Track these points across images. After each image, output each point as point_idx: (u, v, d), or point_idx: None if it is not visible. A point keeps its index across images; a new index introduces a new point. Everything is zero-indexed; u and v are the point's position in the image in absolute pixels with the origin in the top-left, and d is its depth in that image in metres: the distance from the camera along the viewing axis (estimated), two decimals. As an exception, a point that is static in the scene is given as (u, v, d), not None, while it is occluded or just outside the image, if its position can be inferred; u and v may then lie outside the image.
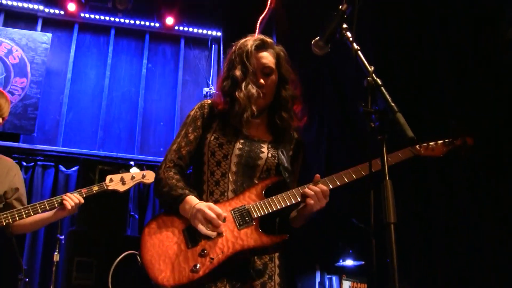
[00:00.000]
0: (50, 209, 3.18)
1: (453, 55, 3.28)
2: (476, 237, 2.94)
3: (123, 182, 3.46)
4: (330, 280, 5.12)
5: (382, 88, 1.62)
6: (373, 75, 1.66)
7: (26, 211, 3.11)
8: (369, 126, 1.62)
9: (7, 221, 3.06)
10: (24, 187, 3.46)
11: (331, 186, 2.22)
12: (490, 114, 2.93)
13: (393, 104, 1.58)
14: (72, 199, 3.19)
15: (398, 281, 1.45)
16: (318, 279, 5.19)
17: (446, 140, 2.38)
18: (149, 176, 3.50)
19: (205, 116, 2.41)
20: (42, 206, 3.15)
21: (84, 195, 3.28)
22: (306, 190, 2.20)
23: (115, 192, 3.46)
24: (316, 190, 2.18)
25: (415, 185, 3.52)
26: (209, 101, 2.47)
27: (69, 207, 3.16)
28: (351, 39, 1.87)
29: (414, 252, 3.42)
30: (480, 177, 2.96)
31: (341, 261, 5.05)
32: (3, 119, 3.29)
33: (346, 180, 2.24)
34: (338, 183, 2.23)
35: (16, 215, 3.08)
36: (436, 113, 3.34)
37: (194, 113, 2.43)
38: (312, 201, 2.16)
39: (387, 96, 1.60)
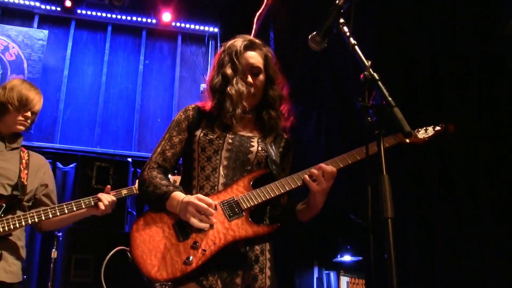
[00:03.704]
0: (77, 210, 3.22)
1: (454, 51, 3.27)
2: (476, 232, 2.94)
3: None
4: (328, 275, 5.12)
5: (379, 82, 1.62)
6: (370, 69, 1.66)
7: (53, 211, 3.13)
8: (367, 121, 1.62)
9: (33, 220, 3.07)
10: (54, 184, 3.47)
11: (336, 168, 2.21)
12: (491, 107, 2.93)
13: (390, 98, 1.57)
14: (106, 198, 3.26)
15: (396, 277, 1.44)
16: (316, 275, 5.20)
17: (428, 127, 2.40)
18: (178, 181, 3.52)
19: (190, 118, 2.43)
20: (69, 207, 3.18)
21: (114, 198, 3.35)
22: (312, 170, 2.20)
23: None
24: (326, 169, 2.17)
25: (414, 179, 3.51)
26: (193, 105, 2.51)
27: (103, 207, 3.24)
28: (348, 33, 1.86)
29: (413, 248, 3.42)
30: (481, 171, 2.96)
31: (339, 256, 5.05)
32: (33, 113, 3.27)
33: (341, 165, 2.23)
34: (341, 165, 2.23)
35: (42, 214, 3.10)
36: (435, 108, 3.34)
37: (178, 117, 2.46)
38: (317, 182, 2.16)
39: (384, 91, 1.59)
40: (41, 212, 3.11)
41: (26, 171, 3.23)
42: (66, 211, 3.17)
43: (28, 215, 3.07)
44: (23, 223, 3.04)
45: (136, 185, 3.37)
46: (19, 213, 3.12)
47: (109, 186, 3.40)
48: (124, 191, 3.42)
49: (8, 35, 7.24)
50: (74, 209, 3.20)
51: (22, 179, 3.17)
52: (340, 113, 4.73)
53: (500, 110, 2.86)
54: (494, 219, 2.83)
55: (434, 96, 3.36)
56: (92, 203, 3.25)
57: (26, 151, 3.35)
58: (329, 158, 2.28)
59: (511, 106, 2.80)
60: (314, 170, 2.19)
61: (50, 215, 3.12)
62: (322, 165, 2.20)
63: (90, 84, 7.69)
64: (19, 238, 3.15)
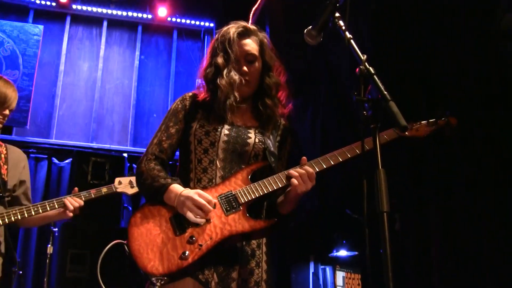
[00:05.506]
0: (59, 207, 3.23)
1: (451, 45, 3.27)
2: (475, 230, 2.94)
3: (131, 185, 3.49)
4: (324, 270, 5.14)
5: (375, 76, 1.61)
6: (366, 63, 1.65)
7: (35, 209, 3.14)
8: (362, 115, 1.62)
9: (16, 217, 3.07)
10: (30, 180, 3.48)
11: (317, 169, 2.21)
12: (489, 105, 2.93)
13: (386, 92, 1.57)
14: (72, 202, 3.25)
15: (392, 271, 1.44)
16: (312, 270, 5.20)
17: (430, 121, 2.38)
18: None
19: (187, 108, 2.38)
20: (51, 205, 3.20)
21: (93, 196, 3.35)
22: (291, 171, 2.20)
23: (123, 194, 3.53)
24: (301, 172, 2.17)
25: (412, 175, 3.52)
26: (191, 93, 2.45)
27: (71, 215, 3.26)
28: (343, 28, 1.85)
29: (410, 243, 3.43)
30: (480, 170, 2.96)
31: (335, 251, 5.06)
32: (10, 110, 3.23)
33: (332, 163, 2.23)
34: (324, 166, 2.23)
35: (25, 211, 3.11)
36: (433, 102, 3.34)
37: (175, 106, 2.40)
38: (296, 182, 2.16)
39: (380, 85, 1.59)
40: (24, 209, 3.12)
41: (6, 166, 3.22)
42: (48, 208, 3.18)
43: (11, 213, 3.08)
44: (6, 220, 3.05)
45: (116, 183, 3.42)
46: (1, 209, 3.12)
47: (76, 188, 3.40)
48: (104, 189, 3.43)
49: (3, 30, 7.20)
50: (56, 206, 3.21)
51: (3, 176, 3.17)
52: (336, 110, 4.73)
53: (500, 110, 2.86)
54: (494, 218, 2.84)
55: (431, 94, 3.36)
56: (56, 206, 3.24)
57: (3, 144, 3.33)
58: (326, 153, 2.27)
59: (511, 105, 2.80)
60: (293, 172, 2.19)
61: (33, 213, 3.13)
62: (299, 169, 2.20)
63: (86, 80, 7.66)
64: (0, 234, 3.15)
